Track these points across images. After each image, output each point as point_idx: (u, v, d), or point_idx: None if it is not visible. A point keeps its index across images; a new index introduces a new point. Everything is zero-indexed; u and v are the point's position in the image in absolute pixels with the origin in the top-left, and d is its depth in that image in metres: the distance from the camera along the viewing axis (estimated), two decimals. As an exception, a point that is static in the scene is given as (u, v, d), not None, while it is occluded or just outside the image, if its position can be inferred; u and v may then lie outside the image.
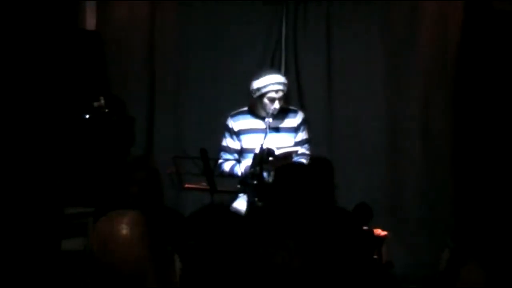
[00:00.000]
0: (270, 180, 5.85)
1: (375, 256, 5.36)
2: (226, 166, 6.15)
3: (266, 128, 6.01)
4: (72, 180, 6.29)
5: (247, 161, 6.06)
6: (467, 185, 6.76)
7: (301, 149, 6.16)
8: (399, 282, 4.91)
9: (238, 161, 6.18)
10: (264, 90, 6.09)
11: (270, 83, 6.10)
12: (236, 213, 5.85)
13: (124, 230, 2.87)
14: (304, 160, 6.13)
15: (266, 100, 6.07)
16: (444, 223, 6.84)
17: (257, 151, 5.91)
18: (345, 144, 7.20)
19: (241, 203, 5.99)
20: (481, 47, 6.64)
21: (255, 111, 6.18)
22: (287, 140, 6.15)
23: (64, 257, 5.62)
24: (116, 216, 2.96)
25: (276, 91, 6.07)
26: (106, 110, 6.57)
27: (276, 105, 6.06)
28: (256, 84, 6.11)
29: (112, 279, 2.93)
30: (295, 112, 6.29)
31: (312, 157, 5.85)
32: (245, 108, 6.24)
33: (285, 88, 6.15)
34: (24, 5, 6.14)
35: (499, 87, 6.49)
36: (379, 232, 5.48)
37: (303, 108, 6.77)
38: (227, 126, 6.25)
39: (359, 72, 7.29)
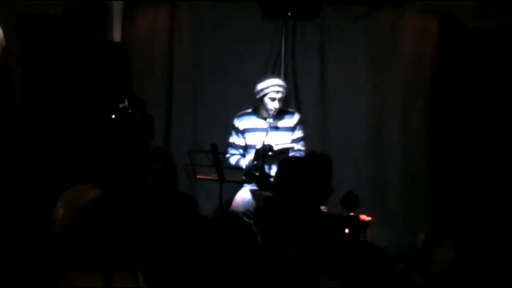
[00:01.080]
0: (271, 172, 5.90)
1: (361, 238, 5.34)
2: (233, 160, 6.21)
3: (267, 127, 6.12)
4: (99, 169, 6.32)
5: (251, 155, 6.13)
6: (441, 176, 6.74)
7: (297, 146, 6.21)
8: (393, 260, 4.98)
9: (243, 155, 6.23)
10: (266, 91, 6.16)
11: (271, 85, 6.18)
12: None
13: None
14: (299, 155, 6.14)
15: (267, 100, 6.13)
16: (421, 209, 6.82)
17: (259, 146, 6.00)
18: (336, 140, 7.18)
19: (245, 192, 6.05)
20: (454, 58, 6.64)
21: (258, 112, 6.26)
22: (285, 137, 6.20)
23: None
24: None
25: (277, 92, 6.16)
26: (130, 111, 6.55)
27: (276, 104, 6.13)
28: (259, 86, 6.19)
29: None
30: (292, 113, 6.36)
31: (312, 152, 5.75)
32: (250, 110, 6.33)
33: (284, 90, 6.22)
34: (65, 28, 6.25)
35: (469, 92, 6.47)
36: (364, 217, 5.46)
37: (299, 109, 6.82)
38: (233, 125, 6.31)
39: (347, 79, 7.27)
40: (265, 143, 6.01)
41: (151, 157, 5.34)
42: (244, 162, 6.19)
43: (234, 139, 6.31)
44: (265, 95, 6.17)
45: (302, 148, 6.26)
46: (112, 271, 2.81)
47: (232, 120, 6.37)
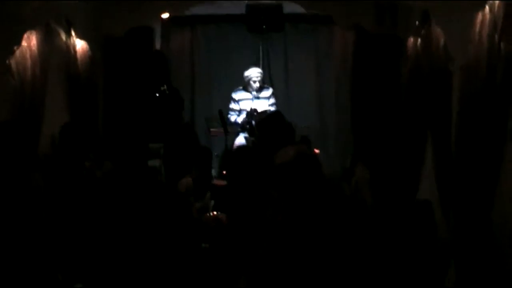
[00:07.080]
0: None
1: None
2: (232, 118, 6.48)
3: (252, 98, 6.40)
4: (152, 129, 6.39)
5: (243, 115, 6.40)
6: (360, 126, 6.54)
7: (271, 108, 6.39)
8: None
9: (238, 115, 6.46)
10: (250, 76, 6.41)
11: (253, 72, 6.44)
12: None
13: None
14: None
15: (251, 82, 6.42)
16: (349, 145, 6.86)
17: (248, 109, 6.33)
18: (295, 105, 7.38)
19: (241, 138, 6.33)
20: (365, 54, 6.43)
21: (246, 89, 6.47)
22: (264, 104, 6.43)
23: (148, 169, 5.63)
24: None
25: (257, 77, 6.42)
26: (167, 92, 6.68)
27: (257, 84, 6.41)
28: (246, 73, 6.45)
29: None
30: (268, 88, 6.61)
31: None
32: (241, 87, 6.53)
33: (261, 76, 6.50)
34: (127, 43, 6.24)
35: (376, 75, 6.25)
36: (316, 151, 5.66)
37: (272, 86, 6.99)
38: (232, 97, 6.52)
39: (301, 69, 7.55)
40: (252, 107, 6.30)
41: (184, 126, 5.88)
42: (239, 120, 6.41)
43: (232, 105, 6.50)
44: (250, 79, 6.40)
45: (274, 110, 6.28)
46: None
47: (231, 94, 6.56)
